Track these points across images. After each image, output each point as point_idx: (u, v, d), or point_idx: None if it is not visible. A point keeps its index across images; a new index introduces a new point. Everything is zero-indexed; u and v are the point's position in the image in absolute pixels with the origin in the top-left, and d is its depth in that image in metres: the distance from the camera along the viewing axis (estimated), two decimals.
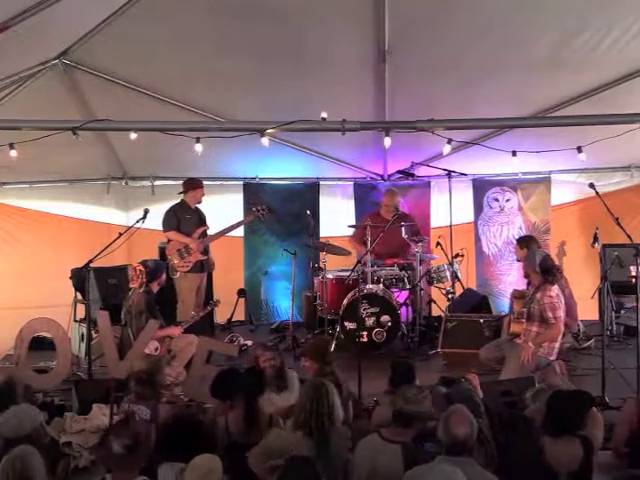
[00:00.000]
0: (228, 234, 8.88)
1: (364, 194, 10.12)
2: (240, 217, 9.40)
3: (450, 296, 8.85)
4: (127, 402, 5.57)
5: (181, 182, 8.90)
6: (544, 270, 6.89)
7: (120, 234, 7.61)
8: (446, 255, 8.98)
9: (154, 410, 5.41)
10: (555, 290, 6.84)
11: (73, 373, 7.54)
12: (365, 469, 4.65)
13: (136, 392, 5.60)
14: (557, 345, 6.94)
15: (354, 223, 9.68)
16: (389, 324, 8.21)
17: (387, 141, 7.00)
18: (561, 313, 6.81)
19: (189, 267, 8.46)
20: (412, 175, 9.73)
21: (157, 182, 10.12)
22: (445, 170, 9.32)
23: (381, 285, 8.51)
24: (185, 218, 8.57)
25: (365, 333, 8.16)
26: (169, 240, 8.57)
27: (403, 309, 8.53)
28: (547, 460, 4.33)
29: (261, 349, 6.33)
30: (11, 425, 4.63)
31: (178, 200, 8.68)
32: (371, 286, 8.40)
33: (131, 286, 7.53)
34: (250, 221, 9.24)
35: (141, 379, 5.62)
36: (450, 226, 9.18)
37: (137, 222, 7.73)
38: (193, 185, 8.68)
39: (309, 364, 6.08)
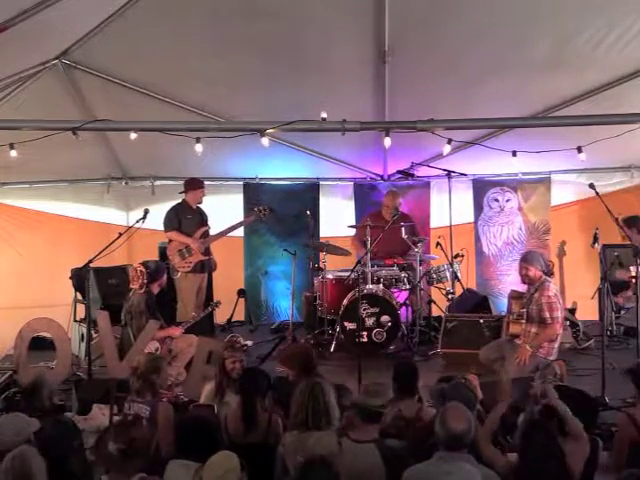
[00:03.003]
0: (228, 234, 8.87)
1: (364, 194, 10.11)
2: (240, 217, 9.39)
3: (450, 296, 8.85)
4: (129, 402, 5.52)
5: (181, 182, 8.91)
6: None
7: (120, 234, 7.62)
8: (446, 255, 8.98)
9: (153, 408, 5.40)
10: (553, 290, 6.84)
11: (73, 373, 7.54)
12: (345, 473, 4.60)
13: (136, 389, 5.60)
14: (557, 345, 6.94)
15: (354, 223, 9.68)
16: (389, 324, 8.19)
17: (387, 141, 6.99)
18: (559, 314, 6.80)
19: (190, 267, 8.45)
20: (412, 175, 9.72)
21: (157, 182, 10.10)
22: (445, 170, 9.31)
23: (381, 285, 8.50)
24: (186, 218, 8.55)
25: (365, 333, 8.14)
26: (170, 240, 8.56)
27: (403, 309, 8.52)
28: (567, 462, 4.31)
29: (230, 350, 6.05)
30: None
31: (179, 200, 8.68)
32: (371, 286, 8.39)
33: (131, 287, 7.52)
34: (251, 221, 9.22)
35: (138, 375, 5.61)
36: (450, 226, 9.19)
37: (137, 222, 7.76)
38: (194, 185, 8.67)
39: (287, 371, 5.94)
